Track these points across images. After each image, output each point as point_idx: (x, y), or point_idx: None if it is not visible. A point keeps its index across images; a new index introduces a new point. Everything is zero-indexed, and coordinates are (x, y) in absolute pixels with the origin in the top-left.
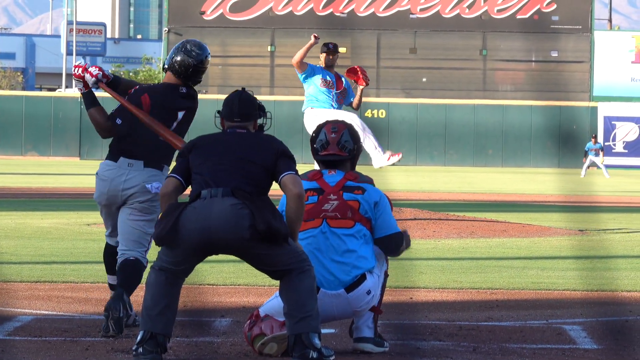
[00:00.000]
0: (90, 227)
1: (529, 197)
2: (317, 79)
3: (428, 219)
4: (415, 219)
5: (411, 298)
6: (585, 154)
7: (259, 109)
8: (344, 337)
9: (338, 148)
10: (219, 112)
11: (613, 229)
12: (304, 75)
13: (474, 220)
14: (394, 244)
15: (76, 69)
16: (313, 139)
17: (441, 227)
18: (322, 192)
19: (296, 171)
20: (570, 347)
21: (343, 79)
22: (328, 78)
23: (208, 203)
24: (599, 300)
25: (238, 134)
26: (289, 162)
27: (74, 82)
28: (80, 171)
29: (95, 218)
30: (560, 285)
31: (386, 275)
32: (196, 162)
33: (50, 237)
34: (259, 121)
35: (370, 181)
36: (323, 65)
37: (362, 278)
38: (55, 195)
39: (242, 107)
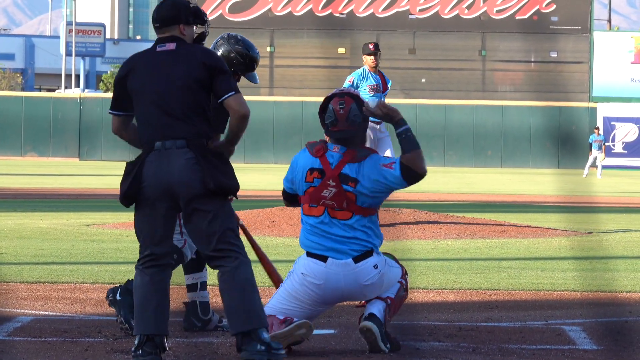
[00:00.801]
0: (89, 227)
1: (528, 197)
2: (365, 87)
3: (427, 221)
4: (414, 220)
5: (410, 299)
6: (590, 147)
7: (194, 15)
8: (343, 338)
9: (347, 124)
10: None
11: (612, 230)
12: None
13: (473, 221)
14: (412, 162)
15: None
16: (322, 111)
17: (440, 227)
18: (324, 175)
19: (236, 89)
20: (570, 348)
21: (385, 77)
22: (374, 83)
23: (164, 156)
24: (599, 301)
25: (168, 54)
26: (227, 80)
27: None
28: (80, 172)
29: (94, 219)
30: (560, 286)
31: (403, 286)
32: (134, 91)
33: (49, 238)
34: (200, 28)
35: (368, 154)
36: (369, 67)
37: (368, 253)
38: (55, 196)
39: (162, 10)
